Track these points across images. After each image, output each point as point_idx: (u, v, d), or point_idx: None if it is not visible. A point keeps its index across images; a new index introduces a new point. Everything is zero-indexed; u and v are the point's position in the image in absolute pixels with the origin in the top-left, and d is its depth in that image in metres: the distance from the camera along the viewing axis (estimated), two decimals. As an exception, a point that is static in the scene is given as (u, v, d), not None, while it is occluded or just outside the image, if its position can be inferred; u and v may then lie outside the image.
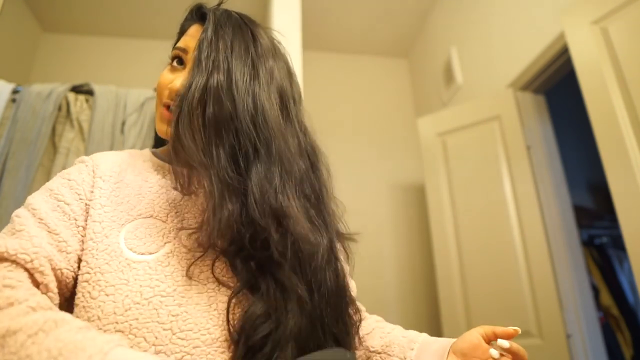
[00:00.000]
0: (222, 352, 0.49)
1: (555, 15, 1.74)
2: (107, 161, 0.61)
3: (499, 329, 0.57)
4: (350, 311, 0.59)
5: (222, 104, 0.53)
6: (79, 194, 0.56)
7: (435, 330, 2.36)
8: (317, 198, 0.59)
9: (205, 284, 0.52)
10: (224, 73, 0.55)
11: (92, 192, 0.57)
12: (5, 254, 0.46)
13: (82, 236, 0.53)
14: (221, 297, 0.52)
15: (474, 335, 0.57)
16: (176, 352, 0.47)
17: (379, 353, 0.66)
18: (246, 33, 0.60)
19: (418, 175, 2.80)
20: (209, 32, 0.58)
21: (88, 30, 2.85)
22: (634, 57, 1.37)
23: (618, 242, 2.52)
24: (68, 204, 0.54)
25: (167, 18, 2.75)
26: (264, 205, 0.51)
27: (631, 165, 1.33)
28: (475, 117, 2.14)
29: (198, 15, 0.65)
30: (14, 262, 0.46)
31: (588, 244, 2.52)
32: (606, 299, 2.35)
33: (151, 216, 0.56)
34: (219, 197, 0.51)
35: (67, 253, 0.51)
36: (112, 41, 2.89)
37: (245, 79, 0.56)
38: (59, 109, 1.71)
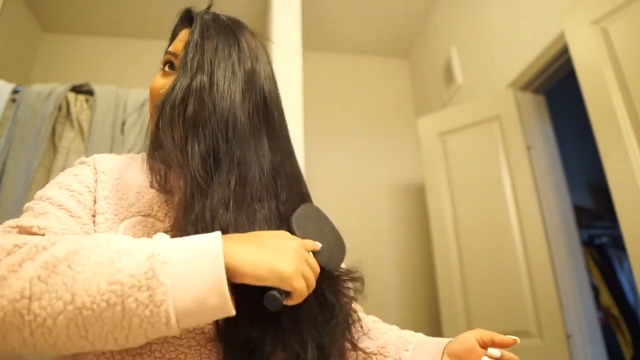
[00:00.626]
0: (217, 352, 0.50)
1: (555, 15, 1.74)
2: (106, 160, 0.62)
3: (498, 337, 0.56)
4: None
5: (202, 104, 0.54)
6: (87, 187, 0.57)
7: (435, 330, 2.36)
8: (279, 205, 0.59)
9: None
10: (207, 75, 0.56)
11: (96, 185, 0.58)
12: (35, 228, 0.46)
13: (94, 224, 0.55)
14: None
15: (469, 339, 0.57)
16: (171, 351, 0.48)
17: (375, 354, 0.66)
18: (231, 36, 0.61)
19: (418, 175, 2.80)
20: (195, 35, 0.59)
21: (88, 30, 2.85)
22: (634, 57, 1.37)
23: (618, 242, 2.52)
24: (81, 194, 0.55)
25: (167, 18, 2.74)
26: (210, 212, 0.51)
27: (631, 165, 1.33)
28: (475, 117, 2.14)
29: (187, 19, 0.66)
30: (42, 236, 0.46)
31: (588, 244, 2.52)
32: (606, 299, 2.35)
33: (149, 215, 0.56)
34: (190, 197, 0.52)
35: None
36: (112, 41, 2.89)
37: (226, 82, 0.57)
38: (59, 109, 1.71)
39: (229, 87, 0.57)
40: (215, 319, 0.42)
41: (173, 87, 0.56)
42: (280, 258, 0.44)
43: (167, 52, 0.65)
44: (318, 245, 0.53)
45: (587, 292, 1.81)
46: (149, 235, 0.54)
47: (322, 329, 0.54)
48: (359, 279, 0.64)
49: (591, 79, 1.49)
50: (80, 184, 0.56)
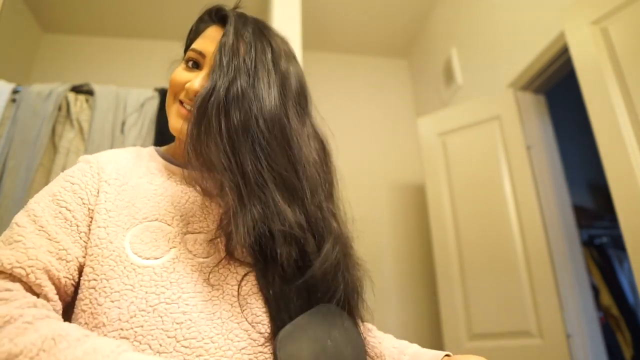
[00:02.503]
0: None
1: (555, 15, 1.74)
2: (111, 162, 0.60)
3: None
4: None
5: (245, 110, 0.54)
6: (82, 199, 0.55)
7: (435, 330, 2.36)
8: (323, 205, 0.60)
9: (209, 292, 0.52)
10: (245, 79, 0.55)
11: (96, 196, 0.56)
12: (1, 267, 0.46)
13: (85, 242, 0.53)
14: (225, 306, 0.51)
15: None
16: None
17: None
18: (264, 38, 0.61)
19: (418, 175, 2.80)
20: (231, 36, 0.58)
21: (88, 30, 2.85)
22: (634, 57, 1.37)
23: (618, 242, 2.52)
24: (70, 210, 0.54)
25: (167, 18, 2.75)
26: (278, 216, 0.52)
27: (631, 165, 1.33)
28: (475, 117, 2.14)
29: (217, 17, 0.65)
30: (10, 274, 0.46)
31: (588, 244, 2.52)
32: (606, 299, 2.35)
33: (157, 219, 0.55)
34: (239, 202, 0.51)
35: (67, 262, 0.51)
36: (112, 41, 2.89)
37: (265, 84, 0.56)
38: (59, 109, 1.71)
39: (268, 89, 0.56)
40: None
41: (213, 89, 0.54)
42: None
43: (192, 49, 0.63)
44: None
45: (587, 292, 1.81)
46: (158, 241, 0.53)
47: None
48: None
49: (591, 79, 1.49)
50: (75, 195, 0.55)
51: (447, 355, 0.61)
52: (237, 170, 0.52)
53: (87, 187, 0.56)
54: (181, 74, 0.62)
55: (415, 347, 0.65)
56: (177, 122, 0.60)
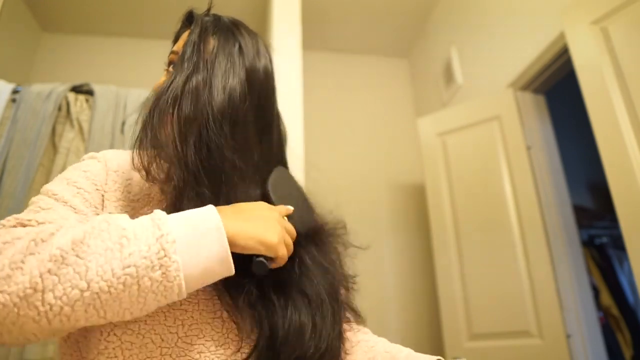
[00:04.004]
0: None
1: (555, 15, 1.74)
2: (116, 158, 0.62)
3: None
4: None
5: (198, 102, 0.55)
6: (95, 184, 0.56)
7: (435, 330, 2.36)
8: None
9: (210, 290, 0.54)
10: (203, 74, 0.57)
11: (106, 184, 0.58)
12: (33, 222, 0.46)
13: None
14: (226, 306, 0.53)
15: None
16: (182, 356, 0.49)
17: None
18: (231, 36, 0.62)
19: (418, 175, 2.80)
20: (194, 36, 0.60)
21: (88, 30, 2.85)
22: (634, 57, 1.37)
23: (618, 242, 2.52)
24: (88, 192, 0.55)
25: (167, 18, 2.75)
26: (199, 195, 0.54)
27: (631, 165, 1.33)
28: (475, 117, 2.14)
29: (189, 21, 0.67)
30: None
31: (588, 244, 2.52)
32: (606, 299, 2.35)
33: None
34: (181, 190, 0.53)
35: None
36: (112, 41, 2.89)
37: (224, 79, 0.57)
38: (59, 109, 1.71)
39: (227, 84, 0.57)
40: (217, 279, 0.47)
41: (170, 84, 0.57)
42: (266, 230, 0.50)
43: (171, 52, 0.66)
44: (290, 209, 0.58)
45: (587, 292, 1.81)
46: None
47: (312, 285, 0.58)
48: (342, 230, 0.70)
49: (591, 79, 1.49)
50: (88, 180, 0.56)
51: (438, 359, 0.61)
52: (183, 160, 0.53)
53: (98, 175, 0.58)
54: (160, 80, 0.65)
55: (407, 352, 0.66)
56: None
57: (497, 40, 2.19)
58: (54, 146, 1.67)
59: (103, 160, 0.60)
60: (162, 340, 0.49)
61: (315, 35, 2.99)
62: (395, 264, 2.70)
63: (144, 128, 0.55)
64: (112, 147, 1.70)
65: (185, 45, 0.60)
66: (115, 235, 0.42)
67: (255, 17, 2.57)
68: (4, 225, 0.46)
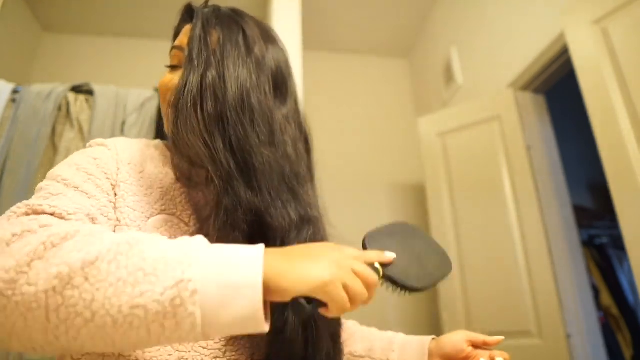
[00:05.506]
0: None
1: (555, 15, 1.74)
2: (127, 148, 0.60)
3: (491, 339, 0.62)
4: None
5: (217, 99, 0.54)
6: (106, 173, 0.54)
7: (436, 330, 2.36)
8: (300, 183, 0.60)
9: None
10: (216, 68, 0.56)
11: (118, 175, 0.55)
12: (46, 207, 0.44)
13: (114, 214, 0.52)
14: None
15: (460, 341, 0.61)
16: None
17: (363, 357, 0.67)
18: (234, 25, 0.61)
19: (418, 175, 2.80)
20: (198, 30, 0.59)
21: (88, 30, 2.85)
22: (634, 57, 1.37)
23: (618, 242, 2.52)
24: (99, 179, 0.52)
25: (167, 18, 2.74)
26: (244, 202, 0.52)
27: (631, 165, 1.33)
28: (475, 117, 2.14)
29: (189, 15, 0.65)
30: (52, 214, 0.44)
31: (588, 244, 2.52)
32: (606, 299, 2.35)
33: (174, 214, 0.56)
34: (221, 190, 0.52)
35: (108, 219, 0.50)
36: (112, 41, 2.89)
37: (235, 71, 0.56)
38: (59, 109, 1.71)
39: (239, 75, 0.56)
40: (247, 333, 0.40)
41: (185, 85, 0.55)
42: (313, 266, 0.40)
43: (173, 47, 0.64)
44: (387, 256, 0.47)
45: (587, 292, 1.81)
46: (174, 235, 0.53)
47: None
48: None
49: (591, 79, 1.49)
50: (99, 168, 0.53)
51: (433, 339, 0.64)
52: (216, 160, 0.52)
53: (108, 164, 0.55)
54: (165, 77, 0.63)
55: (402, 336, 0.68)
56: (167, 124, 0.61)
57: (497, 40, 2.19)
58: (54, 146, 1.67)
59: (114, 150, 0.57)
60: (179, 343, 0.48)
61: (315, 35, 2.99)
62: (395, 264, 2.69)
63: (174, 134, 0.54)
64: (112, 147, 1.70)
65: (190, 40, 0.59)
66: (133, 265, 0.36)
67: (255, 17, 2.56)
68: (14, 213, 0.43)
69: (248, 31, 0.61)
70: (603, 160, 1.43)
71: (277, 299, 0.39)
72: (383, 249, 0.48)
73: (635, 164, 1.33)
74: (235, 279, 0.37)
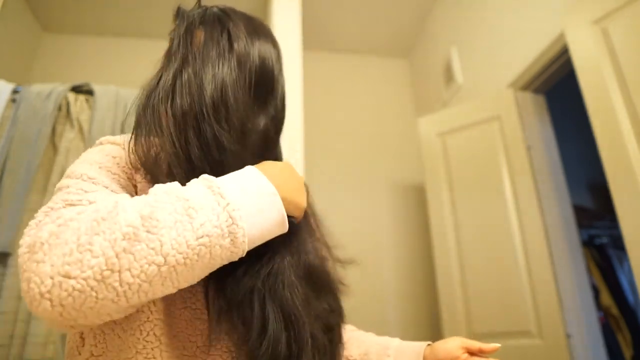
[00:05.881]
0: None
1: (555, 15, 1.74)
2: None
3: (486, 346, 0.62)
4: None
5: (191, 95, 0.54)
6: (126, 173, 0.54)
7: (435, 330, 2.36)
8: None
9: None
10: (193, 66, 0.56)
11: (134, 176, 0.55)
12: (85, 202, 0.45)
13: None
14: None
15: (455, 347, 0.61)
16: None
17: None
18: (217, 25, 0.61)
19: (418, 175, 2.80)
20: (180, 30, 0.60)
21: (88, 30, 2.85)
22: (634, 57, 1.37)
23: (618, 242, 2.52)
24: (122, 179, 0.53)
25: (167, 18, 2.75)
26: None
27: (631, 165, 1.33)
28: (475, 117, 2.14)
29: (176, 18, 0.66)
30: None
31: (588, 244, 2.52)
32: (606, 299, 2.35)
33: None
34: (177, 171, 0.52)
35: None
36: (112, 41, 2.89)
37: (214, 69, 0.56)
38: (59, 108, 1.71)
39: (217, 72, 0.56)
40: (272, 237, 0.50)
41: (158, 81, 0.56)
42: (301, 195, 0.55)
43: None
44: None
45: (587, 292, 1.81)
46: None
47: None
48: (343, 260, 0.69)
49: (591, 79, 1.49)
50: (120, 167, 0.54)
51: (428, 344, 0.64)
52: (184, 156, 0.52)
53: (127, 165, 0.55)
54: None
55: (397, 342, 0.68)
56: None
57: (497, 40, 2.19)
58: (54, 146, 1.67)
59: (126, 150, 0.58)
60: (184, 347, 0.50)
61: (315, 35, 2.99)
62: (395, 264, 2.70)
63: (137, 127, 0.54)
64: (112, 147, 1.70)
65: (171, 40, 0.60)
66: (181, 207, 0.42)
67: (255, 17, 2.56)
68: (52, 208, 0.44)
69: (232, 28, 0.60)
70: (603, 160, 1.43)
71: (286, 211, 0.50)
72: None
73: (635, 164, 1.33)
74: (261, 192, 0.48)
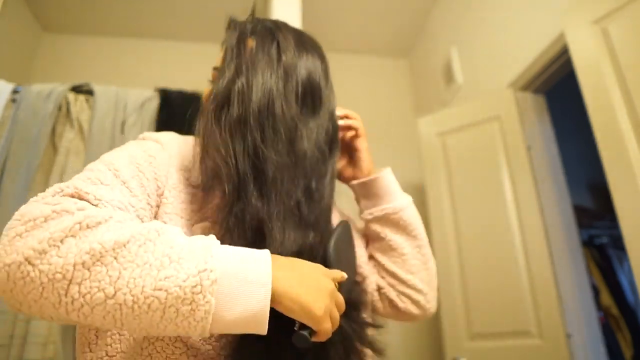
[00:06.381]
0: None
1: (555, 15, 1.74)
2: (179, 152, 0.62)
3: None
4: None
5: (243, 105, 0.55)
6: (155, 173, 0.56)
7: (435, 330, 2.36)
8: (312, 198, 0.60)
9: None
10: (245, 76, 0.57)
11: (167, 180, 0.57)
12: (91, 197, 0.46)
13: (153, 215, 0.54)
14: None
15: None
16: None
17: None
18: (269, 36, 0.63)
19: (418, 175, 2.80)
20: (233, 40, 0.61)
21: (88, 30, 2.85)
22: (634, 57, 1.37)
23: (618, 242, 2.52)
24: (147, 179, 0.54)
25: (167, 18, 2.75)
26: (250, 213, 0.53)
27: (631, 165, 1.33)
28: (475, 117, 2.14)
29: (229, 28, 0.67)
30: (95, 206, 0.45)
31: (588, 244, 2.52)
32: (606, 299, 2.35)
33: (216, 222, 0.57)
34: (232, 194, 0.53)
35: (143, 222, 0.51)
36: (112, 41, 2.89)
37: (263, 79, 0.58)
38: (59, 109, 1.71)
39: (265, 83, 0.57)
40: (245, 332, 0.44)
41: (213, 93, 0.58)
42: (316, 300, 0.45)
43: (213, 68, 0.66)
44: (345, 276, 0.54)
45: (587, 292, 1.81)
46: None
47: None
48: (380, 328, 0.65)
49: (591, 79, 1.49)
50: (151, 166, 0.55)
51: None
52: (233, 165, 0.53)
53: (160, 166, 0.57)
54: (205, 91, 0.65)
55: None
56: None
57: (497, 40, 2.19)
58: (54, 146, 1.67)
59: (167, 151, 0.60)
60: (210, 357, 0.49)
61: (315, 35, 2.98)
62: (395, 264, 2.69)
63: (201, 137, 0.56)
64: (112, 147, 1.70)
65: (225, 51, 0.61)
66: (160, 252, 0.40)
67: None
68: (62, 190, 0.45)
69: (281, 40, 0.62)
70: (603, 160, 1.43)
71: (278, 308, 0.43)
72: (339, 264, 0.56)
73: (635, 164, 1.33)
74: (251, 276, 0.41)
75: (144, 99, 1.81)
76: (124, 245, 0.39)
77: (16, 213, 0.41)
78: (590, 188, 2.98)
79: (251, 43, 0.61)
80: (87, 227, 0.40)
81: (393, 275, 0.74)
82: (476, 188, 2.06)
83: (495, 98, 2.10)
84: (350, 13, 2.87)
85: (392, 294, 0.74)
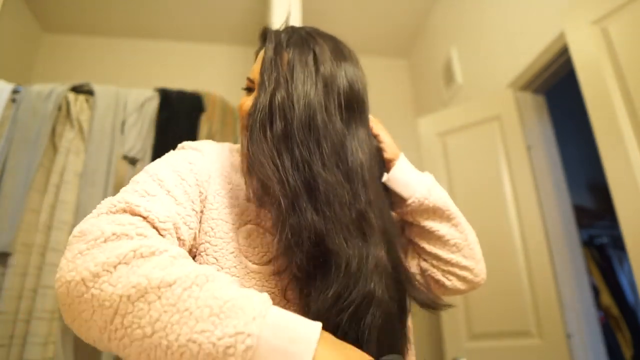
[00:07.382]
0: None
1: (555, 15, 1.74)
2: (217, 158, 0.62)
3: None
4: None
5: (286, 118, 0.55)
6: (197, 179, 0.57)
7: (435, 330, 2.36)
8: (364, 208, 0.59)
9: (285, 304, 0.55)
10: (285, 89, 0.57)
11: (208, 185, 0.58)
12: (142, 209, 0.47)
13: (198, 220, 0.55)
14: None
15: None
16: None
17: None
18: (306, 46, 0.62)
19: (418, 175, 2.79)
20: (270, 53, 0.61)
21: (88, 30, 2.85)
22: (634, 57, 1.37)
23: (618, 242, 2.52)
24: (190, 186, 0.55)
25: (167, 18, 2.75)
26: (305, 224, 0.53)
27: (631, 165, 1.33)
28: (475, 117, 2.14)
29: (264, 38, 0.67)
30: (145, 218, 0.47)
31: (588, 244, 2.52)
32: (606, 299, 2.36)
33: (259, 224, 0.57)
34: (286, 210, 0.52)
35: (190, 228, 0.53)
36: (112, 41, 2.89)
37: (303, 91, 0.57)
38: (59, 109, 1.71)
39: (306, 95, 0.57)
40: None
41: (255, 107, 0.57)
42: None
43: (247, 79, 0.66)
44: None
45: (587, 292, 1.81)
46: (262, 245, 0.56)
47: None
48: None
49: (591, 79, 1.49)
50: (192, 174, 0.57)
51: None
52: (284, 179, 0.53)
53: (201, 172, 0.58)
54: (242, 100, 0.66)
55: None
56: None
57: (497, 40, 2.19)
58: (54, 146, 1.67)
59: (207, 158, 0.61)
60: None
61: (315, 35, 2.99)
62: (395, 264, 2.69)
63: (248, 156, 0.56)
64: (112, 147, 1.70)
65: (262, 63, 0.61)
66: (203, 301, 0.39)
67: (255, 17, 2.57)
68: (114, 206, 0.47)
69: (318, 51, 0.62)
70: (603, 160, 1.43)
71: None
72: None
73: (635, 164, 1.33)
74: (292, 350, 0.37)
75: (144, 99, 1.81)
76: (170, 286, 0.39)
77: (76, 229, 0.43)
78: (590, 188, 2.98)
79: (287, 54, 0.60)
80: (141, 256, 0.41)
81: (435, 257, 0.74)
82: (476, 188, 2.06)
83: (495, 98, 2.10)
84: (350, 13, 2.87)
85: (438, 275, 0.74)
